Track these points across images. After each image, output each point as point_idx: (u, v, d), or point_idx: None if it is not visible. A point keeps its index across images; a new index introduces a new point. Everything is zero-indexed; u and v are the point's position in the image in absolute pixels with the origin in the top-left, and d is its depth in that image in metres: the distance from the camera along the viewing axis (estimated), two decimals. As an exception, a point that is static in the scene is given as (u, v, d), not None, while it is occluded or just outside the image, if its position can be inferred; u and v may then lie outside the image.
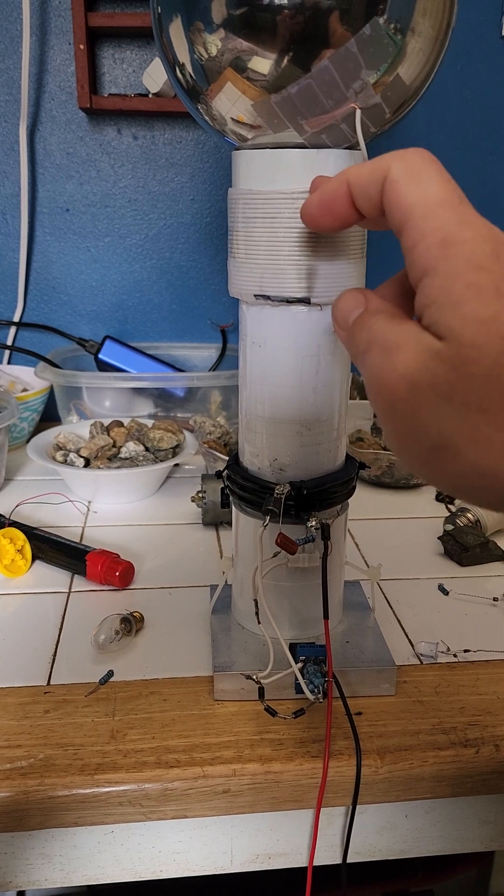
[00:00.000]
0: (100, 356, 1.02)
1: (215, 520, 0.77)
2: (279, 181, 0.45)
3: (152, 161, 1.05)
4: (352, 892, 1.02)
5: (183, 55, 0.44)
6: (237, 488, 0.52)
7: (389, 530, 0.78)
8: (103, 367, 1.02)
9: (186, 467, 0.93)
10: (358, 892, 1.00)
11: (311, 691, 0.46)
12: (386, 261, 1.11)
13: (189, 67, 0.45)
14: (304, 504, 0.49)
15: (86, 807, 0.44)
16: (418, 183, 0.31)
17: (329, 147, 0.44)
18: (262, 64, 0.42)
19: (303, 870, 0.50)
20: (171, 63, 0.46)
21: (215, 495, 0.76)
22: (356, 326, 0.33)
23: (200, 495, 0.76)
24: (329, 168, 0.44)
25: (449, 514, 0.77)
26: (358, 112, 0.42)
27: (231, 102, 0.44)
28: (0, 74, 0.99)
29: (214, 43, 0.42)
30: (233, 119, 0.45)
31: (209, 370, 1.08)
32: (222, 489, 0.76)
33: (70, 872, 0.49)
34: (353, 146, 0.45)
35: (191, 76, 0.45)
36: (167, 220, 1.07)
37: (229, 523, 0.78)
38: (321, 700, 0.45)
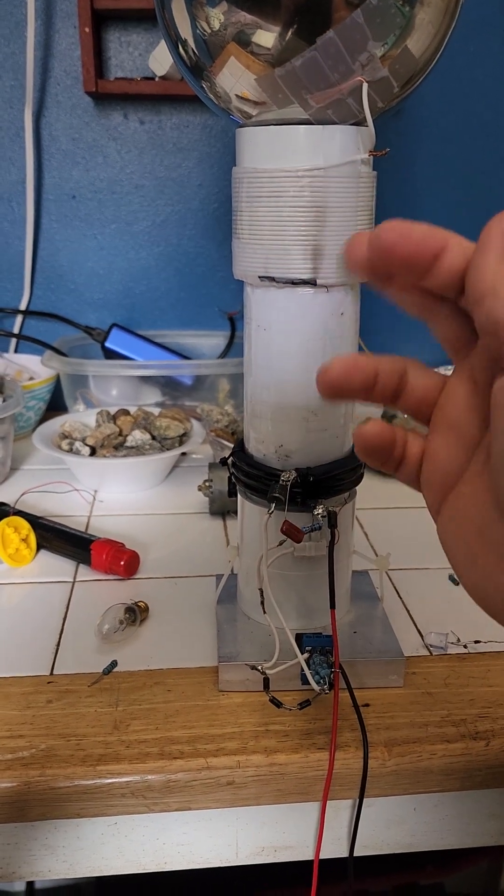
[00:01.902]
0: (106, 344, 1.01)
1: (222, 509, 0.76)
2: (284, 158, 0.43)
3: (159, 146, 1.03)
4: (360, 884, 1.01)
5: (185, 31, 0.43)
6: (242, 475, 0.51)
7: (399, 519, 0.76)
8: (110, 355, 1.01)
9: (193, 456, 0.92)
10: (366, 885, 0.99)
11: (317, 682, 0.45)
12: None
13: (192, 43, 0.43)
14: (310, 491, 0.48)
15: (88, 798, 0.44)
16: None
17: (335, 123, 0.43)
18: (266, 37, 0.40)
19: (308, 863, 0.49)
20: (174, 40, 0.45)
21: (222, 484, 0.75)
22: None
23: (207, 484, 0.75)
24: (335, 144, 0.43)
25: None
26: (364, 86, 0.41)
27: (235, 78, 0.43)
28: (5, 59, 0.98)
29: (217, 17, 0.41)
30: (237, 96, 0.44)
31: (217, 358, 1.07)
32: (229, 478, 0.76)
33: (74, 864, 0.48)
34: (360, 122, 0.43)
35: (194, 52, 0.44)
36: (174, 206, 1.06)
37: (237, 513, 0.77)
38: (327, 691, 0.44)
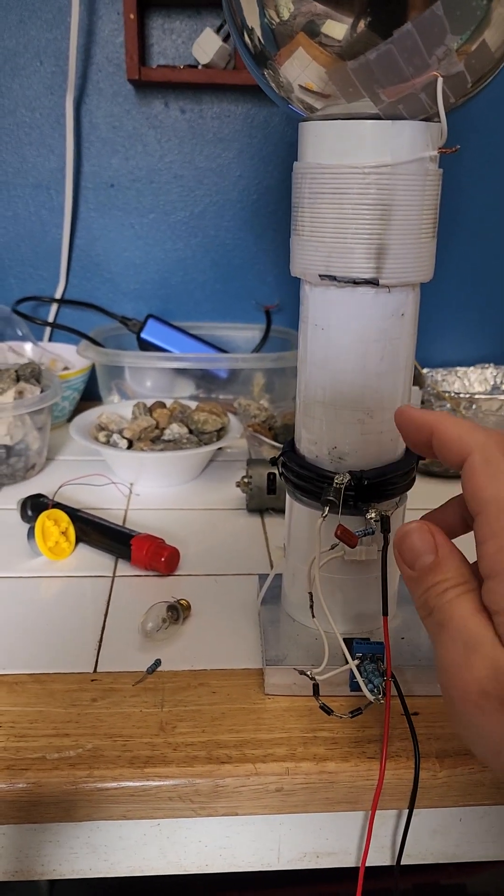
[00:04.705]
0: (142, 335, 1.00)
1: (260, 506, 0.75)
2: (349, 154, 0.42)
3: (199, 136, 1.02)
4: (382, 883, 1.00)
5: (252, 19, 0.42)
6: (293, 476, 0.50)
7: (439, 521, 0.75)
8: (145, 346, 1.01)
9: (228, 451, 0.91)
10: (388, 884, 0.99)
11: (371, 691, 0.44)
12: (440, 242, 1.08)
13: (258, 32, 0.42)
14: (363, 495, 0.47)
15: (135, 800, 0.43)
16: (494, 476, 0.32)
17: (405, 118, 0.42)
18: (337, 28, 0.39)
19: (342, 870, 0.49)
20: (240, 28, 0.44)
21: (261, 481, 0.74)
22: (426, 583, 0.34)
23: (246, 481, 0.74)
24: (404, 140, 0.42)
25: None
26: (439, 80, 0.39)
27: (301, 69, 0.42)
28: (47, 45, 0.97)
29: (287, 6, 0.40)
30: (300, 87, 0.43)
31: (252, 351, 1.06)
32: (269, 475, 0.75)
33: (115, 863, 0.48)
34: (430, 117, 0.42)
35: (259, 41, 0.43)
36: (213, 196, 1.05)
37: (275, 510, 0.76)
38: (381, 700, 0.44)
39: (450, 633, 0.32)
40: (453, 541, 0.36)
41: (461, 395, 1.00)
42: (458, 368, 1.10)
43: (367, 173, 0.42)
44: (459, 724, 0.32)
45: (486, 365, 1.11)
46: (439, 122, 0.41)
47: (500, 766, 0.31)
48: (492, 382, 1.10)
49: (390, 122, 0.41)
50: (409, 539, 0.35)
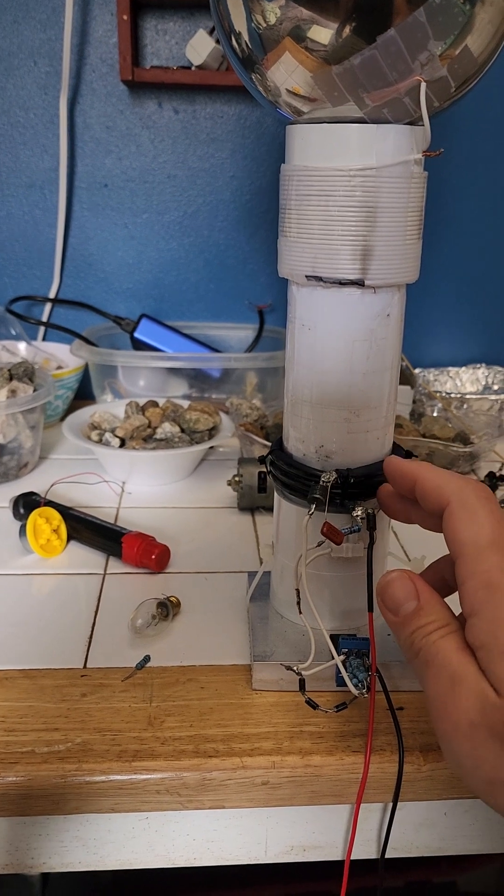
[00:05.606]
0: (135, 335, 1.01)
1: (251, 504, 0.76)
2: (336, 157, 0.43)
3: (193, 136, 1.03)
4: (372, 880, 1.01)
5: (240, 24, 0.43)
6: (280, 474, 0.51)
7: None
8: (139, 345, 1.01)
9: (220, 450, 0.92)
10: (378, 881, 0.99)
11: (356, 686, 0.44)
12: (431, 243, 1.09)
13: (245, 36, 0.43)
14: (349, 493, 0.48)
15: (123, 794, 0.44)
16: (472, 521, 0.34)
17: (390, 122, 0.42)
18: (323, 33, 0.40)
19: (330, 863, 0.49)
20: (227, 31, 0.44)
21: (252, 480, 0.74)
22: (411, 627, 0.36)
23: (237, 479, 0.75)
24: (388, 144, 0.42)
25: (490, 504, 0.75)
26: (423, 85, 0.40)
27: (287, 73, 0.42)
28: (41, 45, 0.98)
29: (273, 11, 0.40)
30: (287, 90, 0.43)
31: (245, 351, 1.07)
32: (259, 473, 0.75)
33: (104, 856, 0.49)
34: (415, 121, 0.43)
35: (247, 45, 0.43)
36: (206, 196, 1.05)
37: (265, 508, 0.77)
38: (365, 695, 0.44)
39: (436, 670, 0.33)
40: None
41: (452, 395, 1.00)
42: (449, 368, 1.11)
43: (352, 176, 0.42)
44: (452, 757, 0.33)
45: (478, 365, 1.12)
46: (423, 125, 0.42)
47: (494, 797, 0.31)
48: (483, 382, 1.11)
49: (375, 125, 0.42)
50: (391, 588, 0.37)
